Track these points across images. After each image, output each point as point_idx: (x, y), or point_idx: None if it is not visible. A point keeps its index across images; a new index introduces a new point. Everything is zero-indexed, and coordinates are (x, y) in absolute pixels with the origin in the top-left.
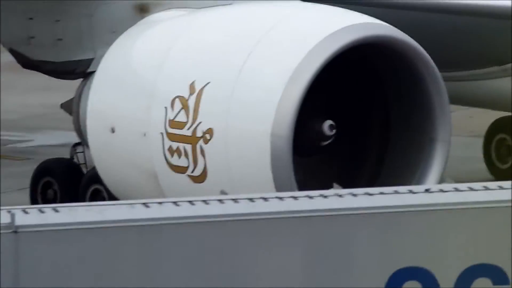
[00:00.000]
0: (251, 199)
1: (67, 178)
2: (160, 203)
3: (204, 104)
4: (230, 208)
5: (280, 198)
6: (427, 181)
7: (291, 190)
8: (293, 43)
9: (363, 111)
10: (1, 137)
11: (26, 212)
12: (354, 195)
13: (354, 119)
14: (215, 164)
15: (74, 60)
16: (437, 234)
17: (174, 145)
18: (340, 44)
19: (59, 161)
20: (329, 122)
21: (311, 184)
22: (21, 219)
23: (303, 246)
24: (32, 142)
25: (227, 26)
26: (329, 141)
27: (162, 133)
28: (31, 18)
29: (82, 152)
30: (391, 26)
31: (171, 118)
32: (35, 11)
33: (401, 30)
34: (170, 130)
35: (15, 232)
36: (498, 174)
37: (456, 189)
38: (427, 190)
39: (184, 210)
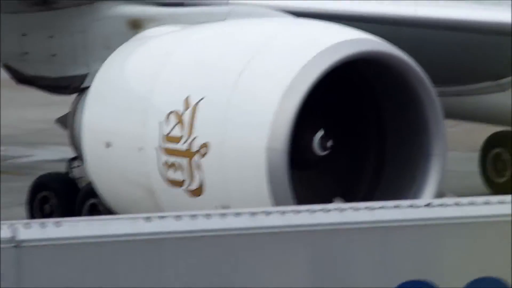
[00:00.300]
0: (252, 213)
1: (63, 193)
2: (161, 217)
3: (199, 119)
4: (231, 222)
5: (282, 213)
6: (424, 195)
7: (288, 203)
8: (288, 58)
9: (359, 125)
10: (2, 153)
11: (27, 226)
12: (356, 209)
13: (351, 134)
14: (211, 178)
15: (68, 76)
16: (438, 248)
17: (170, 159)
18: (334, 59)
19: (55, 175)
20: (325, 136)
21: (308, 197)
22: (23, 233)
23: (305, 260)
24: (32, 158)
25: (221, 42)
26: (325, 153)
27: (157, 148)
28: (24, 34)
29: (79, 166)
30: (385, 42)
31: (167, 133)
32: (29, 27)
33: (395, 45)
34: (166, 145)
35: (17, 246)
36: (495, 188)
37: (457, 204)
38: (428, 205)
39: (186, 224)
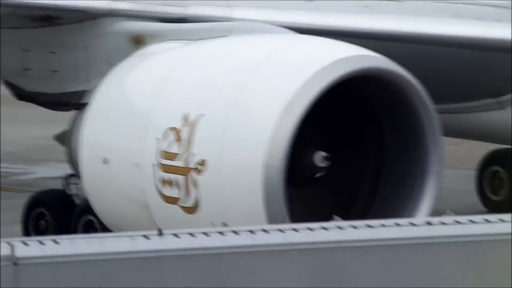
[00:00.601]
0: (251, 231)
1: (59, 209)
2: (160, 234)
3: (198, 136)
4: (230, 240)
5: (281, 230)
6: (420, 212)
7: (284, 221)
8: (287, 74)
9: (357, 142)
10: (3, 170)
11: (26, 244)
12: (355, 227)
13: (348, 150)
14: (207, 195)
15: (69, 92)
16: (438, 266)
17: (167, 176)
18: (334, 76)
19: (52, 192)
20: (323, 154)
21: (305, 214)
22: (21, 251)
23: (304, 278)
24: (34, 175)
25: (222, 58)
26: (322, 172)
27: (154, 164)
28: (26, 50)
29: (76, 183)
30: (385, 58)
31: (164, 149)
32: (31, 42)
33: (395, 62)
34: (163, 161)
35: (15, 264)
36: (491, 206)
37: (457, 222)
38: (428, 223)
39: (185, 242)
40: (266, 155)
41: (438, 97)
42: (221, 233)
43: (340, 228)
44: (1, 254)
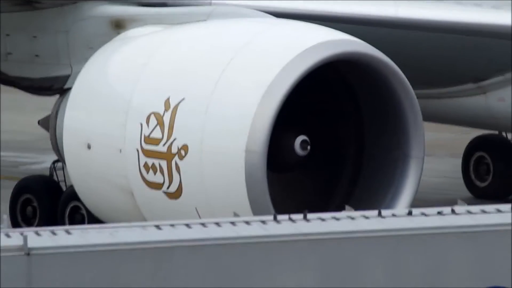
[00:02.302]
0: (263, 222)
1: (46, 195)
2: (172, 225)
3: (179, 120)
4: (242, 231)
5: (293, 221)
6: (402, 197)
7: (266, 205)
8: (267, 59)
9: (339, 127)
10: (13, 159)
11: (38, 234)
12: (366, 217)
13: (330, 135)
14: (190, 180)
15: (51, 77)
16: (449, 257)
17: (150, 161)
18: (314, 60)
19: (38, 178)
20: (303, 138)
21: (287, 200)
22: (34, 241)
23: (315, 269)
24: (45, 164)
25: (202, 43)
26: (304, 157)
27: (137, 149)
28: (8, 35)
29: (62, 169)
30: (365, 43)
31: (147, 134)
32: (12, 27)
33: (375, 47)
34: (146, 147)
35: (28, 254)
36: (477, 192)
37: (469, 212)
38: (439, 213)
39: (196, 232)
40: (247, 140)
41: (419, 82)
42: (232, 223)
43: (352, 218)
44: (14, 244)
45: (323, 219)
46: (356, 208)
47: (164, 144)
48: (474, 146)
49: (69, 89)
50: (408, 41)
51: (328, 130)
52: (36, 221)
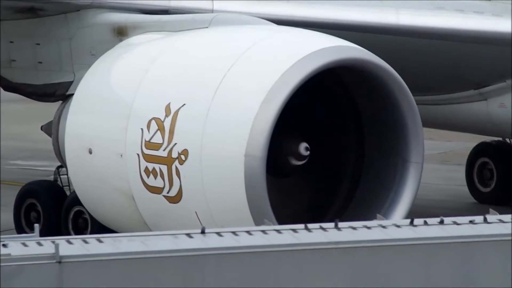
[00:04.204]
0: (294, 230)
1: (50, 200)
2: (203, 233)
3: (180, 126)
4: (273, 239)
5: (324, 229)
6: (401, 202)
7: (265, 210)
8: (268, 65)
9: (339, 132)
10: (29, 168)
11: (70, 243)
12: (398, 226)
13: (330, 140)
14: (190, 185)
15: (54, 83)
16: (481, 266)
17: (150, 166)
18: (313, 66)
19: (42, 183)
20: (304, 144)
21: (286, 205)
22: (65, 250)
23: (346, 278)
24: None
25: (203, 49)
26: (303, 161)
27: (138, 154)
28: (12, 42)
29: (65, 174)
30: (365, 50)
31: (147, 139)
32: (16, 34)
33: (377, 54)
34: (146, 151)
35: (59, 262)
36: (481, 198)
37: (501, 221)
38: (471, 222)
39: (227, 241)
40: (247, 145)
41: (420, 88)
42: (263, 231)
43: (383, 227)
44: (46, 252)
45: (354, 228)
46: (354, 213)
47: (164, 149)
48: (478, 152)
49: (71, 95)
50: (409, 48)
51: (328, 136)
52: (40, 225)
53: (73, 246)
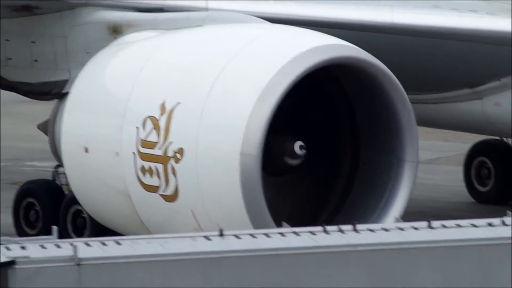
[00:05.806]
0: (312, 232)
1: (48, 199)
2: (221, 235)
3: (175, 124)
4: (291, 241)
5: (342, 232)
6: (396, 201)
7: (261, 208)
8: (262, 63)
9: (333, 131)
10: (36, 169)
11: (88, 245)
12: (416, 228)
13: (325, 139)
14: (186, 183)
15: (50, 81)
16: (498, 268)
17: (146, 164)
18: (308, 64)
19: (41, 182)
20: (299, 143)
21: (282, 203)
22: (84, 252)
23: (364, 280)
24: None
25: (198, 47)
26: (299, 160)
27: (134, 153)
28: (8, 40)
29: (64, 173)
30: (359, 48)
31: (143, 138)
32: (12, 32)
33: (371, 52)
34: (142, 150)
35: (78, 264)
36: (479, 197)
37: None
38: (489, 224)
39: (246, 243)
40: (242, 143)
41: (415, 87)
42: (281, 234)
43: (401, 229)
44: (64, 255)
45: (372, 230)
46: (350, 211)
47: (160, 148)
48: (475, 151)
49: (67, 93)
50: (404, 47)
51: (323, 134)
52: (39, 224)
53: (91, 248)
